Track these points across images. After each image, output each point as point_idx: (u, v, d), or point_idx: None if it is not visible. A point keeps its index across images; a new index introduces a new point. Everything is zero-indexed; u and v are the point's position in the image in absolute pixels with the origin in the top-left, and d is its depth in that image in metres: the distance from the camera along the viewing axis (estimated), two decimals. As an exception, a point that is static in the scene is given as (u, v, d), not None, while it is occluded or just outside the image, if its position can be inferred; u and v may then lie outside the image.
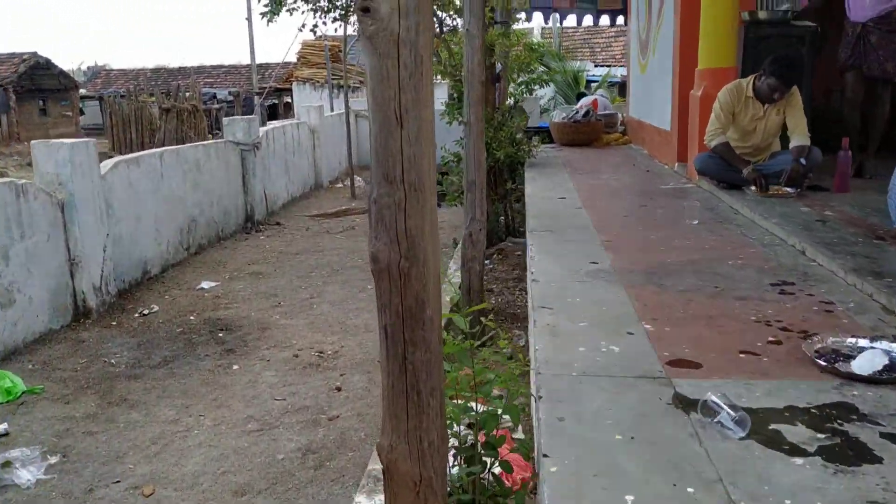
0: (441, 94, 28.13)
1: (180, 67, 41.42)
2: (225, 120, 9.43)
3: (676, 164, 6.70)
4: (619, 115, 9.82)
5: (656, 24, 7.65)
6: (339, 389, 4.58)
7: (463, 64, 5.04)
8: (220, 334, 5.67)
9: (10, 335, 5.24)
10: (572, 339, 2.58)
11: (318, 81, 23.24)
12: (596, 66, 23.52)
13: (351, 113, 15.93)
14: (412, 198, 1.73)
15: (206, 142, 8.86)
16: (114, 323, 5.99)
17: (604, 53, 28.31)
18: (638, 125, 8.90)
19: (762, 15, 6.00)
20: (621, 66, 24.58)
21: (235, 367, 5.01)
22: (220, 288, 6.96)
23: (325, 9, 7.96)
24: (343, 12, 8.15)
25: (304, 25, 8.05)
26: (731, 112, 5.30)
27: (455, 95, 7.70)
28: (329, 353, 5.23)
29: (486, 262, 7.43)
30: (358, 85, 22.88)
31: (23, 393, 4.62)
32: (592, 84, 18.86)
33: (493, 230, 7.93)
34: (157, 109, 22.80)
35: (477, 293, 5.22)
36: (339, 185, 13.58)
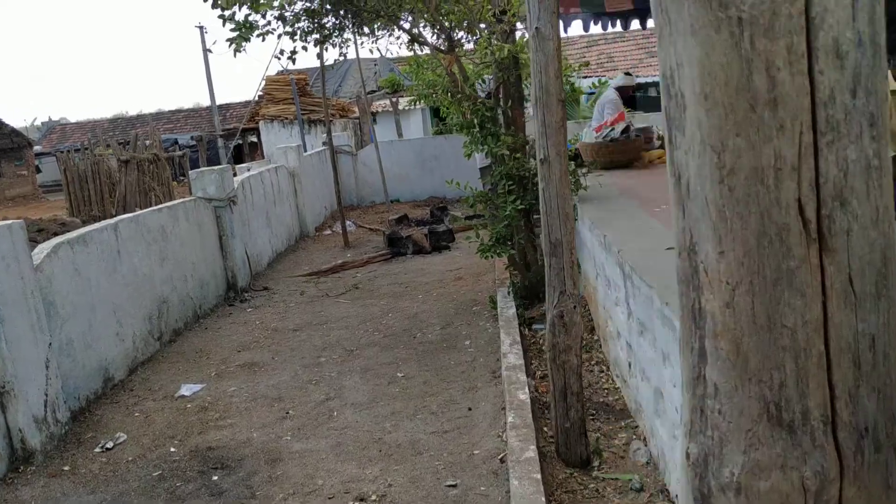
0: (416, 121, 26.88)
1: (139, 115, 39.82)
2: (192, 174, 7.88)
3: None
4: (655, 128, 8.43)
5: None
6: (407, 579, 3.03)
7: (532, 77, 3.57)
8: (215, 477, 4.09)
9: (-89, 517, 3.64)
10: None
11: (286, 118, 21.69)
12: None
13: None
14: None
15: (171, 203, 7.30)
16: (66, 468, 4.38)
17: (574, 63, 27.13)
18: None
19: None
20: (597, 76, 23.29)
21: (243, 541, 3.45)
22: (206, 393, 5.38)
23: (306, 30, 6.47)
24: (327, 33, 6.66)
25: (282, 52, 6.53)
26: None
27: (476, 122, 6.25)
28: (373, 499, 3.67)
29: (539, 326, 5.94)
30: (331, 118, 21.41)
31: None
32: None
33: (537, 284, 6.45)
34: (115, 162, 21.11)
35: (575, 396, 3.72)
36: (328, 231, 12.03)
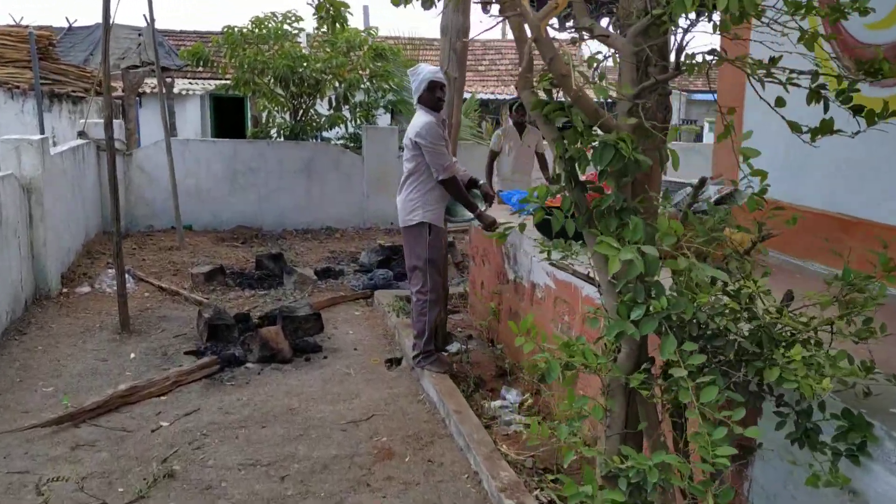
0: (193, 109, 21.68)
1: None
2: None
3: None
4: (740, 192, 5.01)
5: None
6: None
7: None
8: None
9: None
10: None
11: (16, 86, 15.62)
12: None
13: (89, 142, 9.55)
14: None
15: None
16: None
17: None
18: (839, 225, 4.17)
19: None
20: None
21: None
22: None
23: None
24: None
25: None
26: None
27: (568, 170, 2.39)
28: None
29: None
30: (82, 94, 15.79)
31: None
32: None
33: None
34: None
35: None
36: (85, 287, 7.16)
